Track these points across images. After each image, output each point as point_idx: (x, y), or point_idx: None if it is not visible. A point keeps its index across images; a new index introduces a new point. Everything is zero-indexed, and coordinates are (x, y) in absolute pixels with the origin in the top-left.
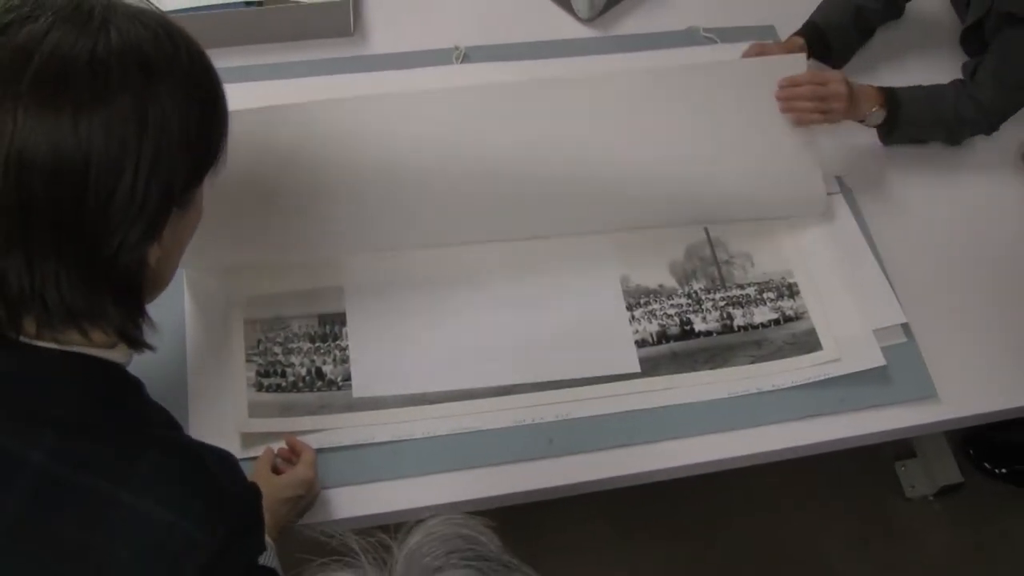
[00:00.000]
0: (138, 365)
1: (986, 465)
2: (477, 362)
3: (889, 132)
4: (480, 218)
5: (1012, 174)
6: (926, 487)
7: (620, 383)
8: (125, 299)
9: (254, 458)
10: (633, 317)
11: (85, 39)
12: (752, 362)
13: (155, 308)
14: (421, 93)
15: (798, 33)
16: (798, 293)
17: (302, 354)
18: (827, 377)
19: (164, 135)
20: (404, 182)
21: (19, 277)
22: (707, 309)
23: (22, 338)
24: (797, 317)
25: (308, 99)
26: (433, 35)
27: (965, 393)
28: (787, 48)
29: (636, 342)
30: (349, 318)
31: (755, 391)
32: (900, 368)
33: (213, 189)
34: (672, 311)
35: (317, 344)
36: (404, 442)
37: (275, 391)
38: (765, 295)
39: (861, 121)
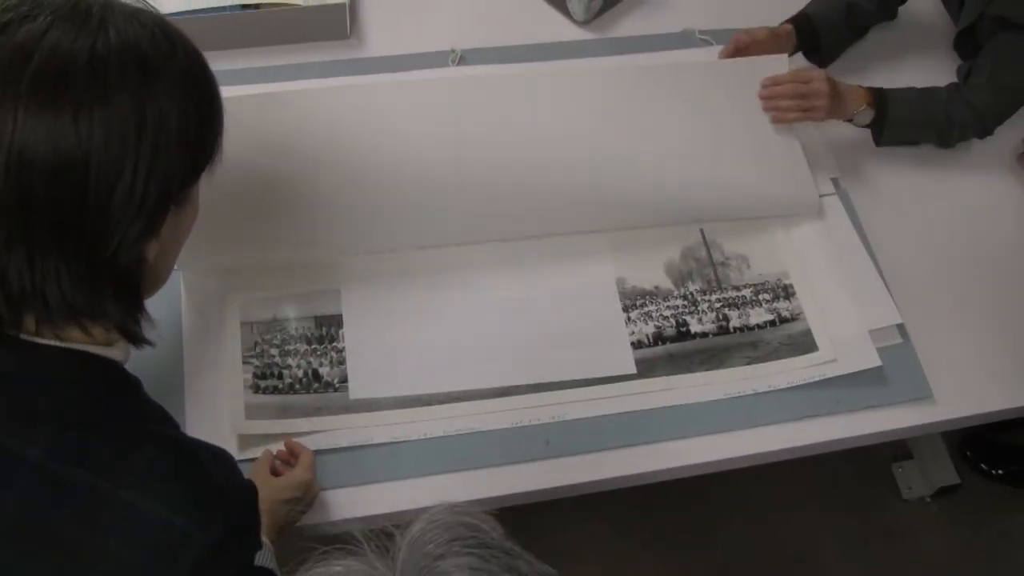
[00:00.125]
0: (135, 367)
1: (983, 466)
2: (474, 363)
3: (879, 133)
4: (474, 217)
5: (1008, 175)
6: (923, 488)
7: (616, 384)
8: (124, 296)
9: (251, 460)
10: (629, 319)
11: (84, 38)
12: (748, 363)
13: (152, 310)
14: (411, 83)
15: (789, 21)
16: (794, 294)
17: (299, 356)
18: (823, 378)
19: (162, 133)
20: (399, 181)
21: (20, 275)
22: (703, 310)
23: (23, 335)
24: (793, 318)
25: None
26: (429, 38)
27: (961, 394)
28: (775, 34)
29: (632, 343)
30: (346, 320)
31: (751, 392)
32: (896, 369)
33: (208, 191)
34: (668, 312)
35: (314, 346)
36: (401, 443)
37: (272, 393)
38: (761, 296)
39: (849, 121)
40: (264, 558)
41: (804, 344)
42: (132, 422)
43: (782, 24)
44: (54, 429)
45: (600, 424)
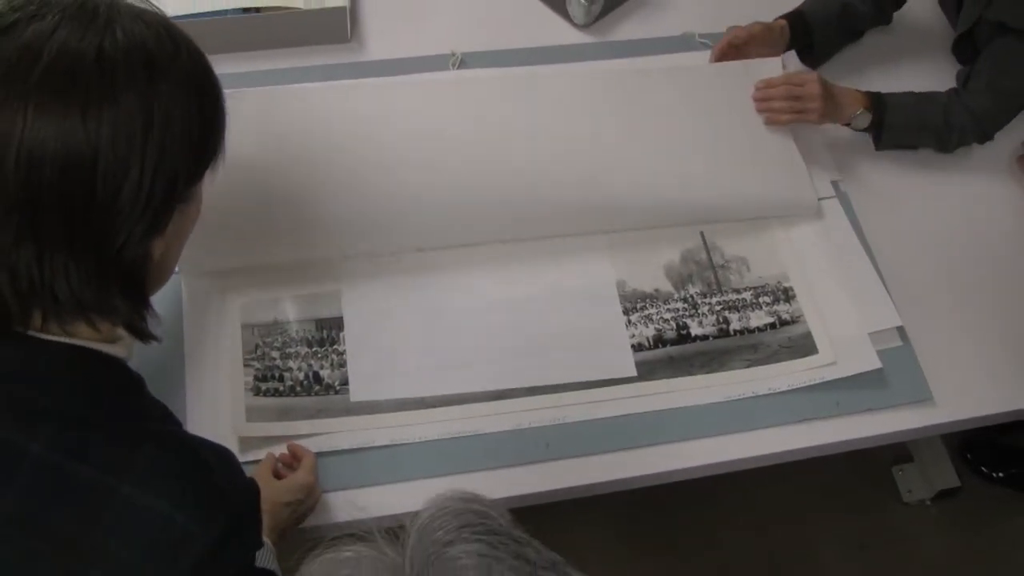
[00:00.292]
0: (137, 369)
1: (983, 469)
2: (475, 366)
3: (878, 136)
4: (475, 218)
5: (1007, 178)
6: (923, 491)
7: (617, 387)
8: (131, 292)
9: (252, 462)
10: (629, 321)
11: (92, 37)
12: (748, 366)
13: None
14: (411, 85)
15: (783, 17)
16: (794, 297)
17: (300, 358)
18: (823, 381)
19: (168, 132)
20: (399, 183)
21: (29, 270)
22: (703, 313)
23: (30, 332)
24: (793, 321)
25: (306, 105)
26: (429, 41)
27: (961, 396)
28: (769, 28)
29: (632, 346)
30: (346, 322)
31: (751, 395)
32: (896, 371)
33: (208, 193)
34: (668, 315)
35: (315, 348)
36: (402, 446)
37: (273, 395)
38: (761, 299)
39: (847, 124)
40: (266, 559)
41: (804, 347)
42: (134, 420)
43: (777, 19)
44: (56, 425)
45: (600, 427)
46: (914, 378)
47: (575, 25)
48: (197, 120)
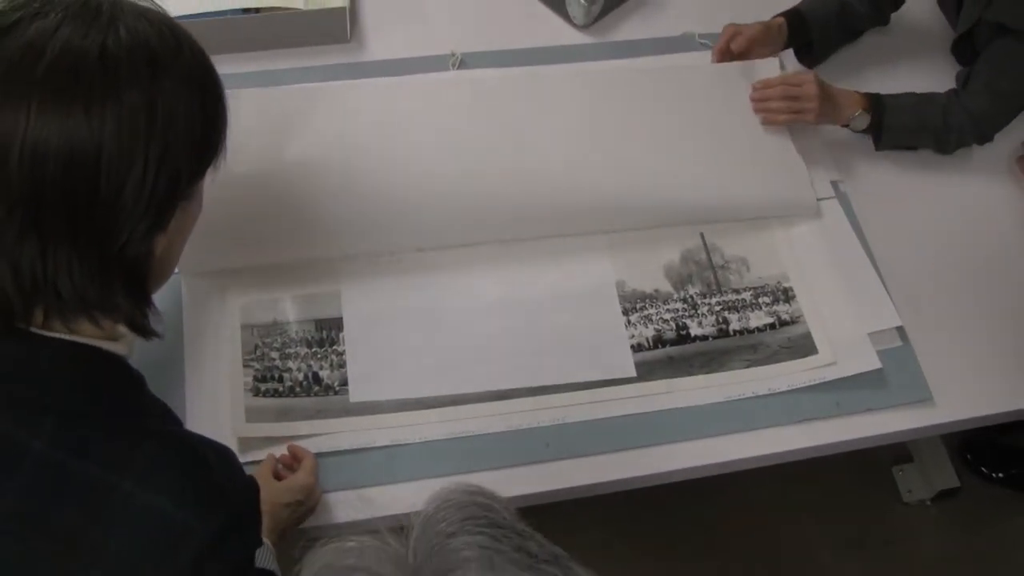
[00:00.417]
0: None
1: (983, 469)
2: (474, 367)
3: (877, 137)
4: (474, 218)
5: (1007, 178)
6: (923, 492)
7: (616, 387)
8: (133, 288)
9: (251, 463)
10: (629, 322)
11: (95, 35)
12: (748, 366)
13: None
14: (411, 85)
15: (781, 15)
16: (793, 297)
17: (299, 359)
18: (823, 381)
19: (171, 128)
20: (399, 183)
21: (33, 266)
22: (703, 314)
23: (32, 328)
24: (792, 321)
25: (305, 106)
26: (429, 41)
27: (960, 396)
28: (767, 27)
29: (632, 346)
30: (346, 323)
31: (751, 395)
32: (896, 371)
33: (207, 194)
34: (668, 316)
35: (314, 349)
36: (401, 446)
37: (272, 396)
38: (760, 299)
39: (846, 125)
40: (266, 560)
41: (804, 347)
42: (135, 417)
43: (775, 17)
44: (58, 422)
45: (600, 427)
46: (914, 378)
47: (575, 25)
48: (200, 117)
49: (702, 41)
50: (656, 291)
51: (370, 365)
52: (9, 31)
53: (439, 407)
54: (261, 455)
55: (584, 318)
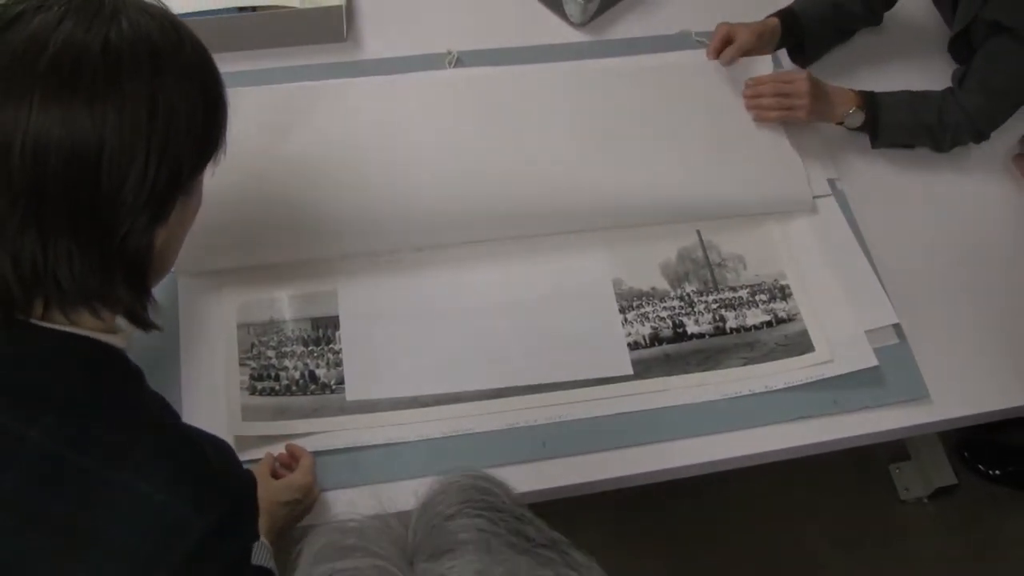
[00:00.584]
0: None
1: (980, 467)
2: (470, 365)
3: (874, 135)
4: (471, 217)
5: (1004, 176)
6: (920, 489)
7: (613, 385)
8: (133, 281)
9: (249, 461)
10: (626, 320)
11: (98, 28)
12: (745, 364)
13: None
14: (408, 84)
15: (775, 15)
16: (790, 295)
17: (295, 358)
18: (820, 378)
19: (173, 122)
20: (395, 182)
21: (34, 258)
22: (699, 311)
23: (32, 319)
24: (789, 319)
25: (302, 104)
26: (426, 40)
27: (957, 394)
28: (760, 28)
29: (629, 344)
30: (342, 321)
31: (748, 393)
32: (892, 369)
33: (205, 193)
34: (665, 313)
35: (310, 348)
36: (398, 445)
37: (269, 395)
38: (757, 297)
39: (840, 123)
40: (263, 558)
41: (801, 345)
42: (133, 409)
43: (768, 17)
44: (56, 414)
45: (597, 425)
46: (911, 376)
47: (571, 23)
48: (200, 111)
49: (698, 39)
50: (653, 289)
51: (366, 363)
52: (12, 24)
53: (435, 405)
54: (258, 454)
55: (581, 316)
